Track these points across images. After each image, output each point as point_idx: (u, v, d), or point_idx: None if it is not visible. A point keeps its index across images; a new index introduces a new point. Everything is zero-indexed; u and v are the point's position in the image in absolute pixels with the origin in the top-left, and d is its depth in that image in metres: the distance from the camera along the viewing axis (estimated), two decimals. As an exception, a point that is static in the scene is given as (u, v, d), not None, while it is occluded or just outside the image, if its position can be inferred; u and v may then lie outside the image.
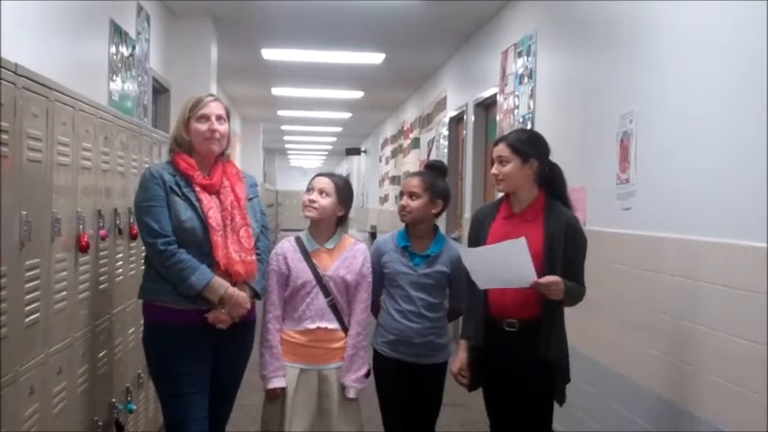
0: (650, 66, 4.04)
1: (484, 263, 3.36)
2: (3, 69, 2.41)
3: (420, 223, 3.77)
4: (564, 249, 3.33)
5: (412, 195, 3.75)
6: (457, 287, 3.71)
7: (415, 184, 3.77)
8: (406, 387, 3.73)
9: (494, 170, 3.47)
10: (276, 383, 3.55)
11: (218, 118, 3.41)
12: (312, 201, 3.62)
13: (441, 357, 3.76)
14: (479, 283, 3.38)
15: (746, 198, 3.13)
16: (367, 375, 3.75)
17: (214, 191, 3.39)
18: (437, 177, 3.84)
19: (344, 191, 3.71)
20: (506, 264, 3.27)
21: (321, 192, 3.63)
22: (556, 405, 3.45)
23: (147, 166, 4.12)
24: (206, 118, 3.38)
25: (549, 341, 3.33)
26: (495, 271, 3.31)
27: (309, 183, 3.69)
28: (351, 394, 3.60)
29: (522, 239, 3.20)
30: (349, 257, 3.68)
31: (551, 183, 3.48)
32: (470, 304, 3.54)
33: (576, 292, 3.37)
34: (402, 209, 3.78)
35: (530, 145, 3.43)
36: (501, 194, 3.62)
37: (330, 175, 3.72)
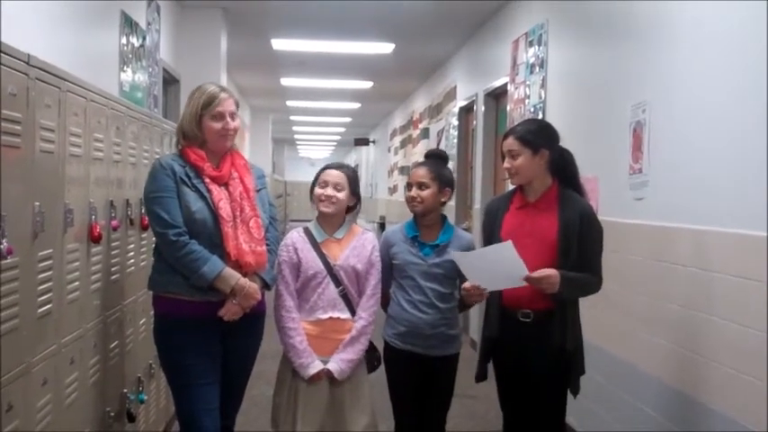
0: (663, 55, 4.02)
1: (477, 267, 3.39)
2: (15, 60, 2.41)
3: (430, 213, 3.76)
4: (578, 238, 3.32)
5: (421, 186, 3.74)
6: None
7: (422, 174, 3.76)
8: (416, 379, 3.72)
9: (506, 164, 3.46)
10: (317, 367, 3.54)
11: (231, 114, 3.41)
12: (329, 196, 3.62)
13: (452, 349, 3.75)
14: (482, 285, 3.39)
15: (759, 188, 3.11)
16: (371, 368, 3.76)
17: (223, 182, 3.39)
18: (441, 165, 3.84)
19: (354, 181, 3.73)
20: (498, 266, 3.30)
21: (335, 186, 3.63)
22: (569, 397, 3.44)
23: (157, 156, 4.12)
24: (221, 116, 3.37)
25: (564, 331, 3.32)
26: (490, 273, 3.34)
27: (320, 175, 3.68)
28: (329, 367, 3.55)
29: (509, 243, 3.23)
30: (358, 246, 3.68)
31: (563, 170, 3.46)
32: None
33: (583, 283, 3.36)
34: (412, 200, 3.76)
35: (539, 135, 3.42)
36: (512, 186, 3.61)
37: (340, 167, 3.72)
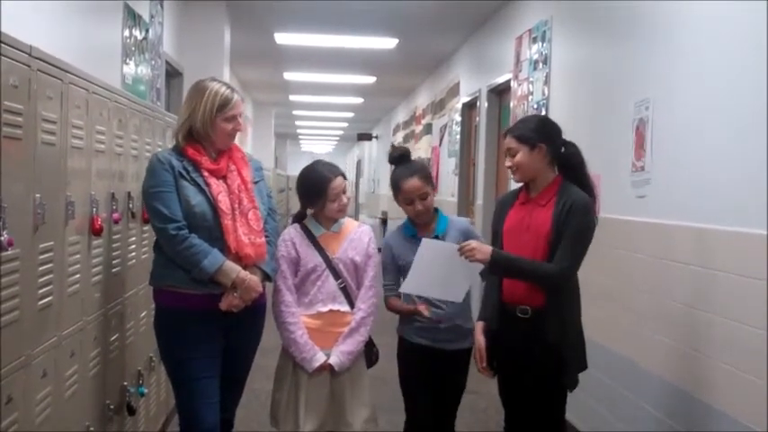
0: (667, 52, 4.01)
1: (430, 278, 3.49)
2: (17, 51, 2.40)
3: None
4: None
5: (422, 197, 3.70)
6: None
7: (419, 185, 3.68)
8: (430, 373, 3.72)
9: (507, 162, 3.47)
10: (320, 359, 3.55)
11: (240, 115, 3.44)
12: (345, 205, 3.66)
13: (466, 343, 3.71)
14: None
15: (761, 187, 3.10)
16: (370, 364, 3.76)
17: (221, 175, 3.38)
18: (417, 164, 3.84)
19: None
20: (443, 268, 3.42)
21: (345, 192, 3.67)
22: (570, 394, 3.43)
23: (160, 149, 4.12)
24: (233, 118, 3.39)
25: (557, 327, 3.31)
26: (445, 277, 3.46)
27: (333, 185, 3.60)
28: (330, 361, 3.56)
29: (424, 240, 3.46)
30: (356, 239, 3.71)
31: (568, 162, 3.45)
32: (486, 287, 3.54)
33: (523, 267, 3.31)
34: (418, 214, 3.71)
35: (534, 131, 3.41)
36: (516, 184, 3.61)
37: (340, 173, 3.69)
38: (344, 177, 3.72)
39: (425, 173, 3.76)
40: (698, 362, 3.57)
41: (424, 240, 3.47)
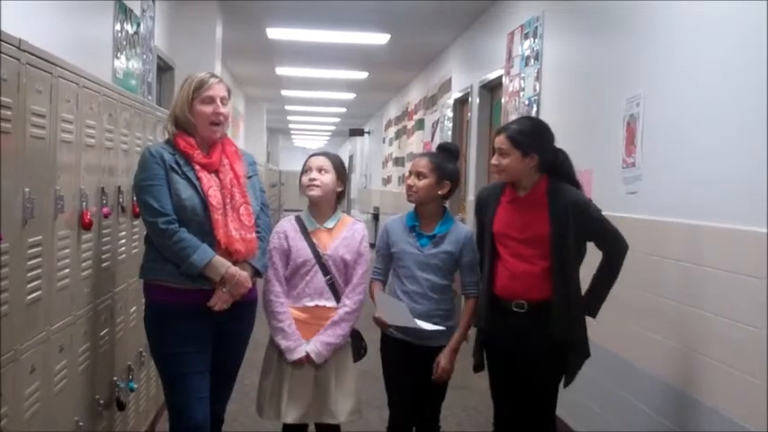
0: (658, 48, 4.01)
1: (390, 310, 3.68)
2: (7, 45, 2.39)
3: (427, 204, 3.75)
4: (575, 229, 3.30)
5: (419, 175, 3.73)
6: (468, 274, 3.69)
7: (422, 164, 3.74)
8: (411, 369, 3.72)
9: (494, 161, 3.46)
10: (302, 353, 3.55)
11: (222, 100, 3.39)
12: (313, 179, 3.63)
13: (446, 340, 3.73)
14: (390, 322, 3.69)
15: (752, 183, 3.10)
16: (358, 357, 3.77)
17: (213, 169, 3.37)
18: (446, 159, 3.80)
19: (340, 166, 3.75)
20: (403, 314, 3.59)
21: (320, 170, 3.64)
22: (564, 393, 3.43)
23: (150, 144, 4.10)
24: (211, 100, 3.36)
25: (561, 321, 3.31)
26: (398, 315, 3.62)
27: (305, 164, 3.70)
28: (307, 348, 3.56)
29: (403, 305, 3.59)
30: (348, 237, 3.70)
31: (557, 169, 3.45)
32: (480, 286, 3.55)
33: (608, 280, 3.49)
34: (408, 188, 3.77)
35: (531, 137, 3.39)
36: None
37: (325, 153, 3.74)
38: (330, 158, 3.72)
39: (440, 164, 3.74)
40: (691, 359, 3.57)
41: (377, 296, 3.71)
